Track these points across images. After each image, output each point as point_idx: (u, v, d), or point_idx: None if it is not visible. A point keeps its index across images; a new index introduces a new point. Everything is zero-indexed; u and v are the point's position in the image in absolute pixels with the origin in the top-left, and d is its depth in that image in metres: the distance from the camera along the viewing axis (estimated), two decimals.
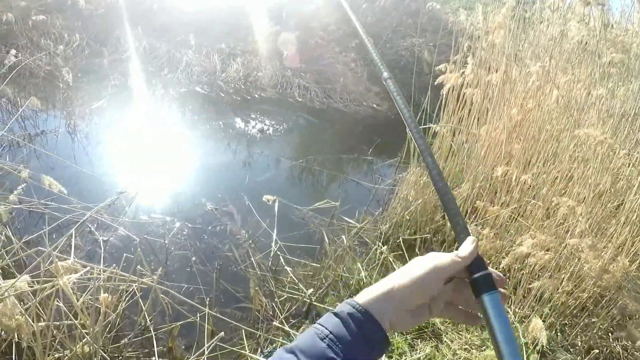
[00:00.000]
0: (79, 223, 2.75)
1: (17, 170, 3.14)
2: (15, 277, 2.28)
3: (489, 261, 3.19)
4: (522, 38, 3.80)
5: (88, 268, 2.12)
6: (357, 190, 4.50)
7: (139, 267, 2.57)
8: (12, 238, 2.70)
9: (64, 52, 6.15)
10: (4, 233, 2.73)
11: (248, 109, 6.26)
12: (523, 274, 2.93)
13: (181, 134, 5.21)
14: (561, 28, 3.48)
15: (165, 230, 3.37)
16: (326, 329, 0.70)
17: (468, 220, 3.45)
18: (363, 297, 0.74)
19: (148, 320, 2.40)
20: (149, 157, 4.52)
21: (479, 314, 0.75)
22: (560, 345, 2.70)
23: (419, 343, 2.70)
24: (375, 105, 6.92)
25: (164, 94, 6.16)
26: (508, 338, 0.65)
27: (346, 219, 3.84)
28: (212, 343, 2.28)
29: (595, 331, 2.74)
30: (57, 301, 1.86)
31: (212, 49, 7.14)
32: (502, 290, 0.74)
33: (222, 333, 2.33)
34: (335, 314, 0.72)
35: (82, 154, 4.25)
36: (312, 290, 2.95)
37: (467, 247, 0.77)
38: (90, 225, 3.06)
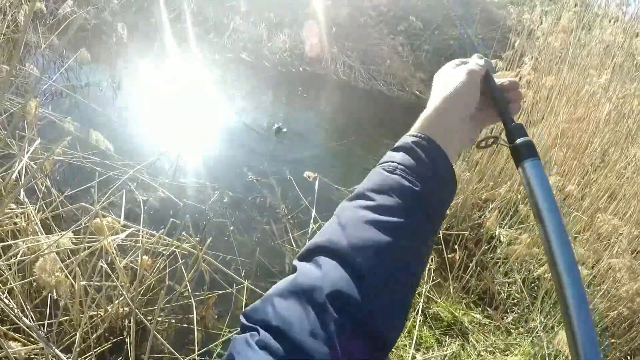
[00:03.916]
0: (121, 181, 2.70)
1: (62, 121, 3.10)
2: (53, 231, 2.25)
3: (522, 268, 3.11)
4: (581, 44, 3.66)
5: (132, 229, 2.06)
6: None
7: (183, 232, 2.52)
8: (53, 190, 2.67)
9: (112, 7, 6.11)
10: (44, 184, 2.70)
11: (292, 81, 6.16)
12: (552, 283, 2.82)
13: (224, 100, 5.14)
14: (621, 40, 3.38)
15: (205, 196, 3.32)
16: (393, 161, 0.63)
17: (502, 221, 3.36)
18: (419, 124, 0.69)
19: (189, 286, 2.34)
20: (190, 120, 4.46)
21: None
22: None
23: (447, 339, 2.64)
24: (418, 92, 6.77)
25: (209, 58, 6.09)
26: (551, 206, 0.60)
27: None
28: None
29: (615, 352, 2.66)
30: (101, 262, 1.81)
31: (260, 17, 7.03)
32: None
33: None
34: (397, 148, 0.65)
35: (124, 111, 4.21)
36: None
37: (475, 58, 0.78)
38: (130, 184, 3.01)
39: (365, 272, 0.51)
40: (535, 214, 0.61)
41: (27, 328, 1.84)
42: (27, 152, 2.36)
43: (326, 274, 0.51)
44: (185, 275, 2.26)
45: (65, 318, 2.00)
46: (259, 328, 0.48)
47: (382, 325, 0.50)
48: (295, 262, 0.56)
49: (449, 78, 0.73)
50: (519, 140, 0.68)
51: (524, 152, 0.66)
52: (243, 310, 0.52)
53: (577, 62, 3.55)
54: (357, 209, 0.58)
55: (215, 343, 2.21)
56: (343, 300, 0.49)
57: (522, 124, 0.70)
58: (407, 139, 0.65)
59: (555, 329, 2.63)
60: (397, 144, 0.66)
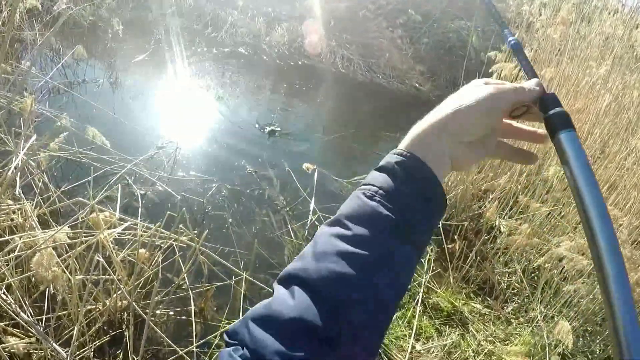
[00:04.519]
0: (118, 175, 2.70)
1: (59, 118, 3.10)
2: (51, 226, 2.25)
3: (522, 258, 3.11)
4: (580, 36, 3.65)
5: (129, 223, 2.06)
6: None
7: (180, 225, 2.52)
8: (50, 186, 2.67)
9: (109, 4, 6.10)
10: (41, 180, 2.70)
11: (291, 74, 6.15)
12: (554, 273, 2.87)
13: (222, 94, 5.12)
14: (621, 32, 3.37)
15: (204, 189, 3.32)
16: (374, 185, 0.59)
17: (502, 212, 3.36)
18: (409, 139, 0.64)
19: (186, 279, 2.34)
20: (188, 115, 4.46)
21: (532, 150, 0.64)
22: (580, 351, 2.64)
23: (447, 329, 2.64)
24: (417, 85, 6.74)
25: (207, 53, 6.08)
26: (589, 179, 0.56)
27: None
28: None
29: None
30: (98, 256, 1.81)
31: (257, 11, 7.02)
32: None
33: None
34: (380, 168, 0.61)
35: (122, 106, 4.20)
36: None
37: (531, 83, 0.67)
38: (128, 178, 3.01)
39: (331, 303, 0.52)
40: (573, 188, 0.57)
41: (25, 323, 1.84)
42: (24, 148, 2.36)
43: (298, 304, 0.52)
44: (183, 267, 2.26)
45: (64, 312, 2.00)
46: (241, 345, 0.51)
47: (349, 351, 0.51)
48: (275, 285, 0.57)
49: (461, 95, 0.66)
50: (553, 111, 0.63)
51: (559, 123, 0.61)
52: (226, 329, 0.55)
53: (576, 54, 3.54)
54: (332, 238, 0.56)
55: (214, 334, 2.21)
56: (311, 327, 0.50)
57: (555, 93, 0.65)
58: (391, 157, 0.62)
59: (555, 319, 2.63)
60: (381, 163, 0.62)
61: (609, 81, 3.30)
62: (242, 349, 0.50)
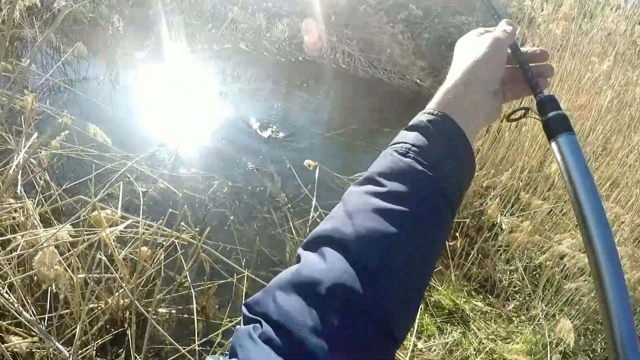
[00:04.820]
0: (119, 173, 2.69)
1: (60, 115, 3.09)
2: (52, 225, 2.24)
3: (524, 255, 3.11)
4: (583, 32, 3.64)
5: (130, 220, 2.06)
6: None
7: (182, 223, 2.52)
8: (51, 184, 2.67)
9: (109, 0, 6.08)
10: (43, 178, 2.70)
11: (291, 70, 6.14)
12: (555, 271, 2.87)
13: (223, 91, 5.11)
14: (623, 28, 3.36)
15: (205, 187, 3.31)
16: (406, 142, 0.57)
17: (504, 209, 3.35)
18: (438, 98, 0.63)
19: (188, 277, 2.35)
20: (189, 112, 4.45)
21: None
22: (581, 350, 2.64)
23: (448, 327, 2.64)
24: (418, 80, 6.72)
25: (208, 49, 6.07)
26: (588, 185, 0.55)
27: None
28: None
29: None
30: (100, 254, 1.81)
31: (258, 7, 7.00)
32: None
33: None
34: (411, 127, 0.60)
35: (122, 103, 4.19)
36: None
37: (503, 24, 0.71)
38: (129, 176, 3.00)
39: (370, 265, 0.48)
40: (571, 193, 0.56)
41: (28, 322, 1.84)
42: (25, 146, 2.36)
43: (330, 267, 0.48)
44: (185, 265, 2.26)
45: (66, 311, 1.99)
46: (261, 320, 0.46)
47: (389, 319, 0.48)
48: (300, 251, 0.54)
49: (472, 47, 0.66)
50: (551, 114, 0.63)
51: (557, 126, 0.61)
52: (244, 301, 0.50)
53: (578, 50, 3.53)
54: (366, 195, 0.54)
55: (216, 333, 2.21)
56: (347, 294, 0.46)
57: (554, 95, 0.65)
58: (421, 116, 0.60)
59: (557, 317, 2.63)
60: (411, 122, 0.61)
61: (611, 77, 3.29)
62: (261, 326, 0.45)
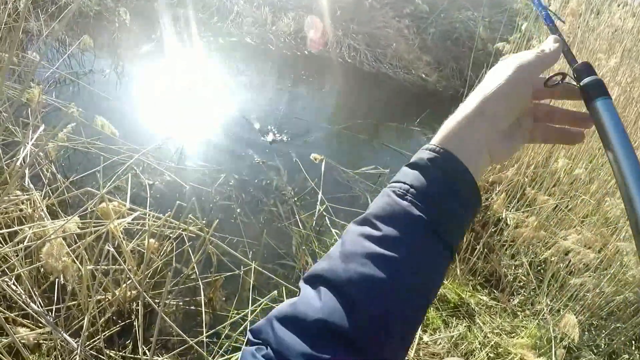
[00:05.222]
0: (126, 165, 2.70)
1: (66, 108, 3.10)
2: (59, 217, 2.25)
3: (529, 251, 3.11)
4: (590, 28, 3.62)
5: (138, 213, 2.06)
6: (401, 160, 4.34)
7: (190, 215, 2.53)
8: (58, 176, 2.68)
9: None
10: (49, 170, 2.71)
11: (297, 64, 6.14)
12: (560, 267, 2.88)
13: (229, 84, 5.12)
14: (631, 24, 3.35)
15: (211, 180, 3.33)
16: (405, 183, 0.56)
17: (509, 204, 3.35)
18: (441, 134, 0.59)
19: (196, 268, 2.36)
20: (195, 105, 4.45)
21: (576, 126, 0.65)
22: (585, 345, 2.64)
23: (454, 321, 2.65)
24: (424, 75, 6.70)
25: (214, 42, 6.07)
26: (627, 149, 0.54)
27: None
28: (268, 297, 2.26)
29: (620, 337, 2.67)
30: (108, 245, 1.81)
31: (264, 0, 6.99)
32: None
33: (275, 292, 2.29)
34: (412, 165, 0.58)
35: (128, 96, 4.20)
36: None
37: (549, 42, 0.64)
38: (135, 168, 3.01)
39: (361, 308, 0.49)
40: (611, 158, 0.55)
41: (35, 314, 1.85)
42: (32, 139, 2.37)
43: (323, 306, 0.50)
44: (192, 257, 2.27)
45: (73, 303, 2.01)
46: (265, 345, 0.50)
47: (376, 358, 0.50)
48: (301, 284, 0.55)
49: (494, 76, 0.61)
50: (587, 79, 0.60)
51: (594, 91, 0.59)
52: (250, 327, 0.55)
53: (585, 46, 3.52)
54: (361, 238, 0.54)
55: (222, 325, 2.22)
56: (337, 334, 0.48)
57: (589, 62, 0.63)
58: (423, 153, 0.58)
59: (561, 312, 2.63)
60: (412, 159, 0.59)
61: (618, 74, 3.28)
62: (266, 348, 0.49)
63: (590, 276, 2.61)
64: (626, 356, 2.61)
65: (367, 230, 0.55)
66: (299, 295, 0.54)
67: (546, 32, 3.62)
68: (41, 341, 1.87)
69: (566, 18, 3.42)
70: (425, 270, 0.54)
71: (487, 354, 2.44)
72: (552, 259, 2.85)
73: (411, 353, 2.33)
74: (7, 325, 1.56)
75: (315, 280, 0.54)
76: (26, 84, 2.58)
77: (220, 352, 2.14)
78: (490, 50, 3.61)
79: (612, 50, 3.47)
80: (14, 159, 2.31)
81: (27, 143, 2.31)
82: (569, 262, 2.74)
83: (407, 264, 0.52)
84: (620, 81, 3.24)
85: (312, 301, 0.51)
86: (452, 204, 0.56)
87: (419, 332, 2.45)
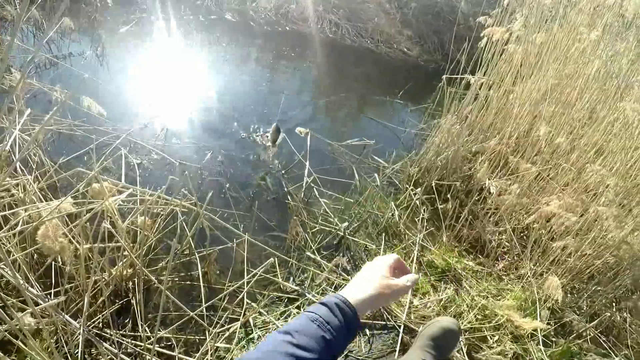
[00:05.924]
0: (113, 145, 2.71)
1: (52, 90, 3.09)
2: (50, 200, 2.26)
3: (512, 217, 3.18)
4: (572, 3, 3.65)
5: (132, 190, 2.09)
6: (384, 133, 4.40)
7: (182, 189, 2.55)
8: (45, 160, 2.68)
9: None
10: (37, 155, 2.70)
11: (279, 40, 6.11)
12: (542, 232, 2.95)
13: (210, 62, 5.10)
14: (612, 1, 3.40)
15: (199, 156, 3.36)
16: (316, 314, 0.93)
17: (492, 173, 3.41)
18: (349, 294, 1.00)
19: (191, 242, 2.39)
20: (178, 84, 4.45)
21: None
22: (568, 307, 2.73)
23: (442, 285, 2.73)
24: (405, 49, 6.72)
25: (193, 20, 6.02)
26: None
27: (377, 158, 3.81)
28: (262, 268, 2.32)
29: (601, 299, 2.77)
30: (105, 223, 1.83)
31: None
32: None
33: (272, 259, 2.40)
34: (323, 304, 0.96)
35: (109, 78, 4.18)
36: (346, 224, 2.96)
37: (411, 279, 1.11)
38: (122, 148, 3.02)
39: None
40: None
41: (35, 297, 1.85)
42: (19, 124, 2.36)
43: None
44: (187, 232, 2.30)
45: (70, 285, 2.02)
46: None
47: None
48: None
49: (377, 284, 1.05)
50: None
51: None
52: None
53: (567, 21, 3.55)
54: (283, 343, 0.86)
55: (218, 297, 2.27)
56: None
57: None
58: (332, 299, 0.96)
59: (544, 276, 2.71)
60: (325, 300, 0.97)
61: (599, 48, 3.33)
62: None
63: (573, 239, 2.69)
64: (608, 314, 2.70)
65: (288, 337, 0.88)
66: None
67: (528, 6, 3.63)
68: (40, 326, 1.89)
69: None
70: None
71: (475, 316, 2.53)
72: (535, 225, 2.92)
73: (403, 316, 2.40)
74: (6, 313, 1.58)
75: None
76: (1, 70, 2.55)
77: (220, 323, 2.20)
78: (472, 24, 3.63)
79: (593, 25, 3.51)
80: (1, 145, 2.31)
81: (14, 129, 2.31)
82: (551, 228, 2.82)
83: None
84: (600, 55, 3.29)
85: None
86: (343, 331, 0.93)
87: (410, 296, 2.53)
